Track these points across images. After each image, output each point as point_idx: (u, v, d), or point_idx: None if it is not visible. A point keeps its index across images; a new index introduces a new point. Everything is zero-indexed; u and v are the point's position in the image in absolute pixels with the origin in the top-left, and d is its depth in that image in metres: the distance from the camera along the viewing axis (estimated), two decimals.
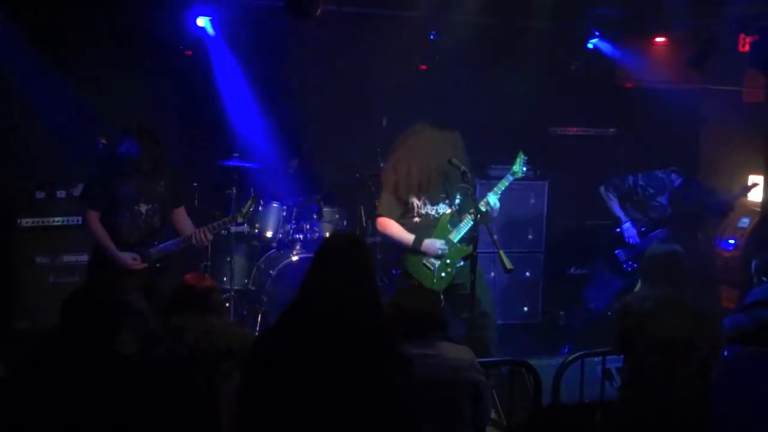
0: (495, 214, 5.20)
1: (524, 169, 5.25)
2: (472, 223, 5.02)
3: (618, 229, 6.36)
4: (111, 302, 3.22)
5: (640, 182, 6.35)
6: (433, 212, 5.22)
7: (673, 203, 6.41)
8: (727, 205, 6.66)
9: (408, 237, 5.14)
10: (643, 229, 6.31)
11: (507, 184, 5.22)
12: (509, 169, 5.24)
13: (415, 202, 5.19)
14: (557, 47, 7.39)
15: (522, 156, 5.23)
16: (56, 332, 3.13)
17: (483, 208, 5.01)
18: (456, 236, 5.14)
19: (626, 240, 6.29)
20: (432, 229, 5.18)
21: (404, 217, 5.20)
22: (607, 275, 6.37)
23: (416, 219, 5.20)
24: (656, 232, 6.28)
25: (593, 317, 6.59)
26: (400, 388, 2.78)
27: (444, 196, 5.22)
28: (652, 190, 6.32)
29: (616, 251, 6.29)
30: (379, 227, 5.23)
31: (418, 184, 5.15)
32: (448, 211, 5.22)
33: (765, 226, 6.65)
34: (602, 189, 6.46)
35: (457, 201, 5.25)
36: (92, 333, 3.09)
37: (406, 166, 5.15)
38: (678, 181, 6.45)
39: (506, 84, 7.30)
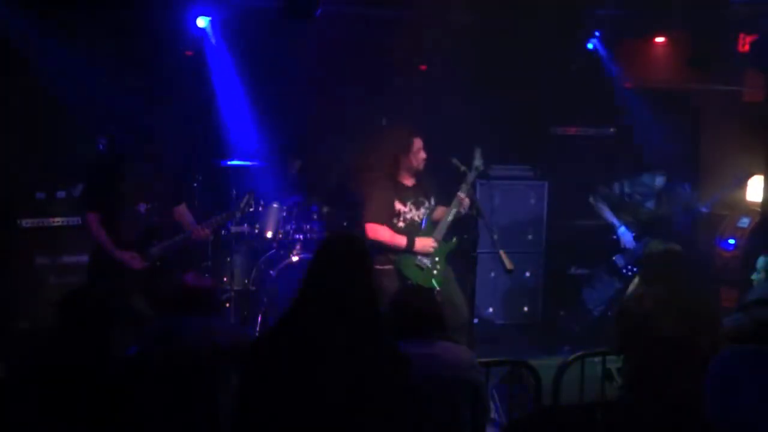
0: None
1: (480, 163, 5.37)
2: (451, 219, 5.29)
3: (614, 236, 6.31)
4: (108, 302, 3.22)
5: (626, 189, 6.28)
6: (416, 216, 5.40)
7: (657, 207, 6.32)
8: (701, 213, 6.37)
9: (401, 239, 5.28)
10: (636, 234, 6.28)
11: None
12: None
13: (401, 208, 5.34)
14: (557, 47, 7.38)
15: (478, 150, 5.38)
16: (53, 333, 3.12)
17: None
18: (440, 233, 5.33)
19: (623, 245, 6.25)
20: (417, 230, 5.35)
21: (389, 222, 5.30)
22: (606, 278, 6.35)
23: (401, 224, 5.35)
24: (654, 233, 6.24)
25: (592, 319, 6.58)
26: (399, 388, 2.78)
27: (423, 199, 5.42)
28: (638, 197, 6.25)
29: (614, 257, 6.26)
30: (370, 233, 5.26)
31: (404, 191, 5.33)
32: (426, 210, 5.44)
33: (765, 226, 6.64)
34: (591, 199, 6.40)
35: (433, 200, 5.50)
36: (89, 333, 3.09)
37: (390, 174, 5.29)
38: (660, 182, 6.34)
39: (506, 84, 7.30)
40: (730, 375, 3.26)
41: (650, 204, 6.26)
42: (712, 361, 3.40)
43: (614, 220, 6.30)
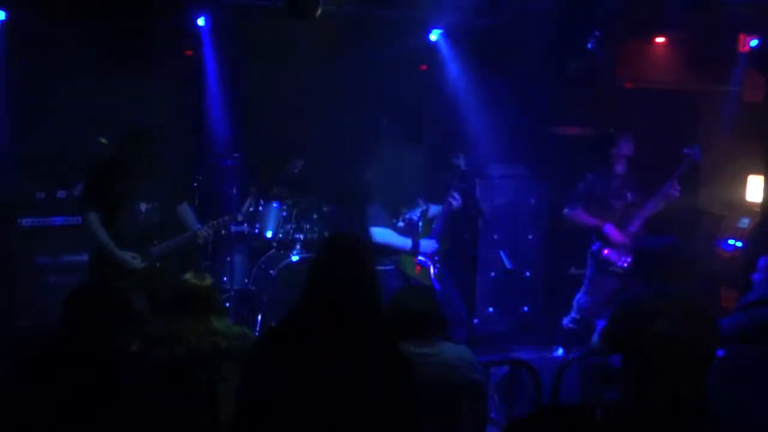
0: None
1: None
2: (445, 218, 5.44)
3: (595, 246, 6.27)
4: (112, 301, 3.23)
5: (590, 181, 6.29)
6: (413, 215, 5.49)
7: (619, 195, 6.29)
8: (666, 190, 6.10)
9: (406, 241, 5.37)
10: (617, 228, 6.26)
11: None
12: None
13: (402, 209, 5.45)
14: (557, 47, 7.38)
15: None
16: (58, 331, 3.13)
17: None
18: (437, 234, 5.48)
19: (612, 241, 6.23)
20: (415, 229, 5.45)
21: (391, 223, 5.41)
22: (598, 279, 6.32)
23: (401, 223, 5.45)
24: (634, 222, 6.21)
25: (585, 321, 6.55)
26: (400, 388, 2.78)
27: (420, 200, 5.52)
28: (607, 188, 6.27)
29: (605, 253, 6.24)
30: (377, 237, 5.33)
31: (407, 195, 5.44)
32: (423, 209, 5.54)
33: (765, 226, 6.64)
34: (565, 211, 6.36)
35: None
36: (94, 332, 3.09)
37: (394, 179, 5.37)
38: (620, 170, 6.31)
39: (506, 84, 7.30)
40: (730, 375, 3.28)
41: (615, 194, 6.25)
42: (713, 361, 3.41)
43: (595, 221, 6.28)
